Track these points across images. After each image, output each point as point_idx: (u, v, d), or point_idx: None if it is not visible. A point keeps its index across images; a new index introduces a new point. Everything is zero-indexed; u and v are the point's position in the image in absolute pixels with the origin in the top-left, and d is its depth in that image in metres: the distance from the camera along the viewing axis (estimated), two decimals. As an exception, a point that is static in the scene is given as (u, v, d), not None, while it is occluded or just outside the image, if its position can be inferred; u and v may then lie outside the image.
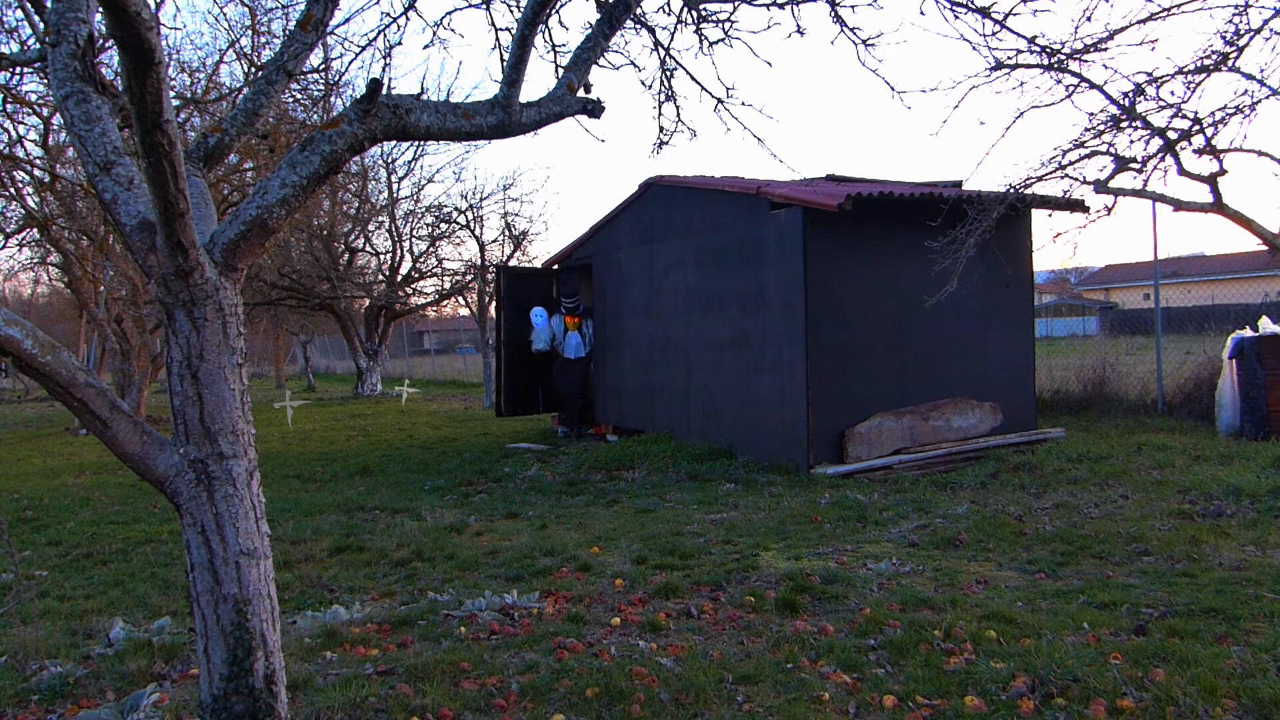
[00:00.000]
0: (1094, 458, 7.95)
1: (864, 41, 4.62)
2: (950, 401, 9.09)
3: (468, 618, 4.52)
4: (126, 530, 7.15)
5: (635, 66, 5.35)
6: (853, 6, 4.53)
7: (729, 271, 9.50)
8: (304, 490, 9.00)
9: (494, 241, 24.48)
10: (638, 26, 4.86)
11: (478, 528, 6.87)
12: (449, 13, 5.03)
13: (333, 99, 9.69)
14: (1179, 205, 5.84)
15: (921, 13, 4.54)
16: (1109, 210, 6.27)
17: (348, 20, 9.72)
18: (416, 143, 20.92)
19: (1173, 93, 5.54)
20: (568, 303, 12.26)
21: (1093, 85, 5.72)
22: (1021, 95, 7.61)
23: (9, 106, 12.01)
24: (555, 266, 13.43)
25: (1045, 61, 5.45)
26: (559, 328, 12.35)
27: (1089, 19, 5.36)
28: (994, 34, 4.67)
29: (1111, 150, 6.05)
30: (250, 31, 9.06)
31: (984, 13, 4.51)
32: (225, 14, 25.41)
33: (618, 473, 9.12)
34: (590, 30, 3.55)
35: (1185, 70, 5.41)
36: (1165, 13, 5.22)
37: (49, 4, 3.15)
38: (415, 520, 7.11)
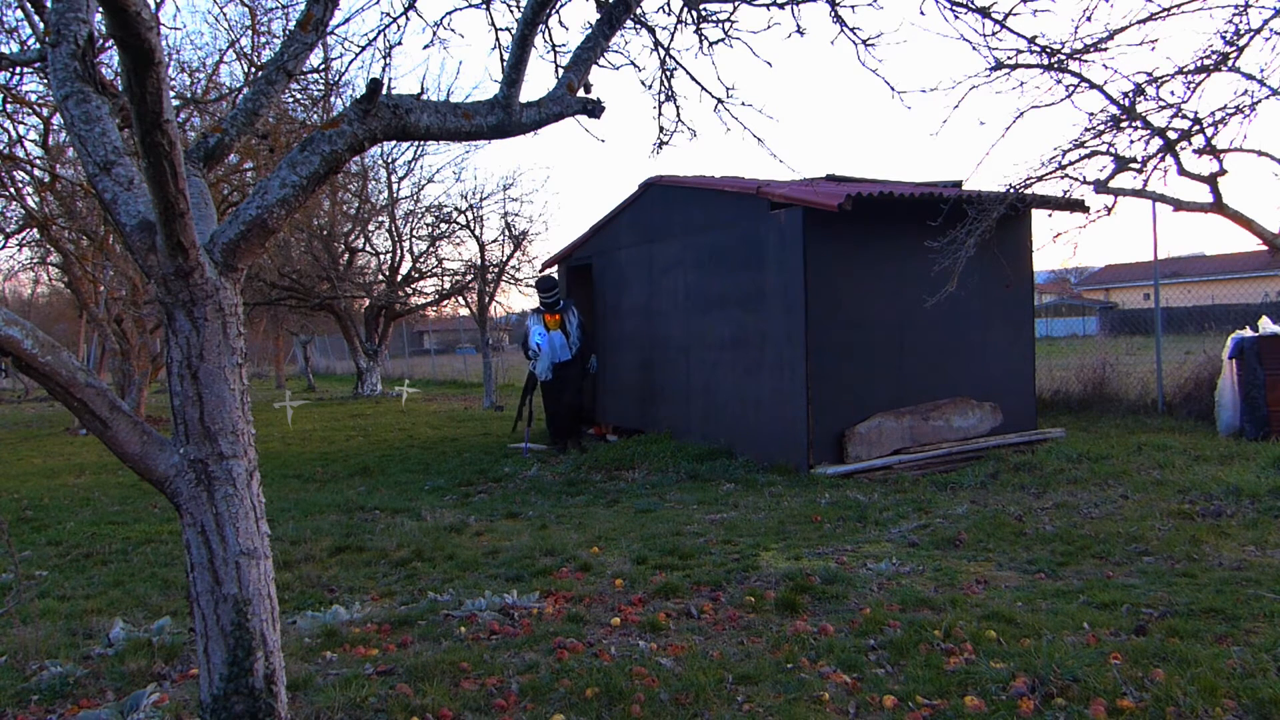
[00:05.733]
0: (1094, 458, 7.95)
1: (864, 41, 4.62)
2: (950, 401, 9.09)
3: (468, 618, 4.52)
4: (126, 530, 7.15)
5: (635, 66, 5.36)
6: (853, 6, 4.53)
7: (729, 271, 9.50)
8: (304, 490, 9.00)
9: (494, 241, 24.51)
10: (638, 26, 4.86)
11: (478, 528, 6.87)
12: (449, 13, 5.03)
13: (333, 99, 9.69)
14: (1179, 205, 5.84)
15: (921, 13, 4.55)
16: (1109, 210, 6.27)
17: (348, 20, 9.72)
18: (416, 143, 20.93)
19: (1173, 93, 5.54)
20: (546, 297, 11.33)
21: (1093, 85, 5.73)
22: (1021, 95, 7.61)
23: (9, 106, 12.02)
24: (555, 266, 13.43)
25: (1045, 61, 5.45)
26: (557, 339, 11.24)
27: (1089, 19, 5.36)
28: (994, 34, 4.67)
29: (1111, 150, 6.05)
30: (250, 31, 9.06)
31: (984, 13, 4.51)
32: (225, 14, 25.41)
33: (618, 473, 9.12)
34: (590, 30, 3.55)
35: (1185, 70, 5.41)
36: (1165, 13, 5.23)
37: (49, 4, 3.15)
38: (415, 520, 7.11)
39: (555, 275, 12.92)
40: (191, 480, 2.63)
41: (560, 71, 3.65)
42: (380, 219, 24.36)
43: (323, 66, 8.60)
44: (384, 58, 9.37)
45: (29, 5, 5.37)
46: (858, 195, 8.05)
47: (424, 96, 2.96)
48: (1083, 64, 5.55)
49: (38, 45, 6.38)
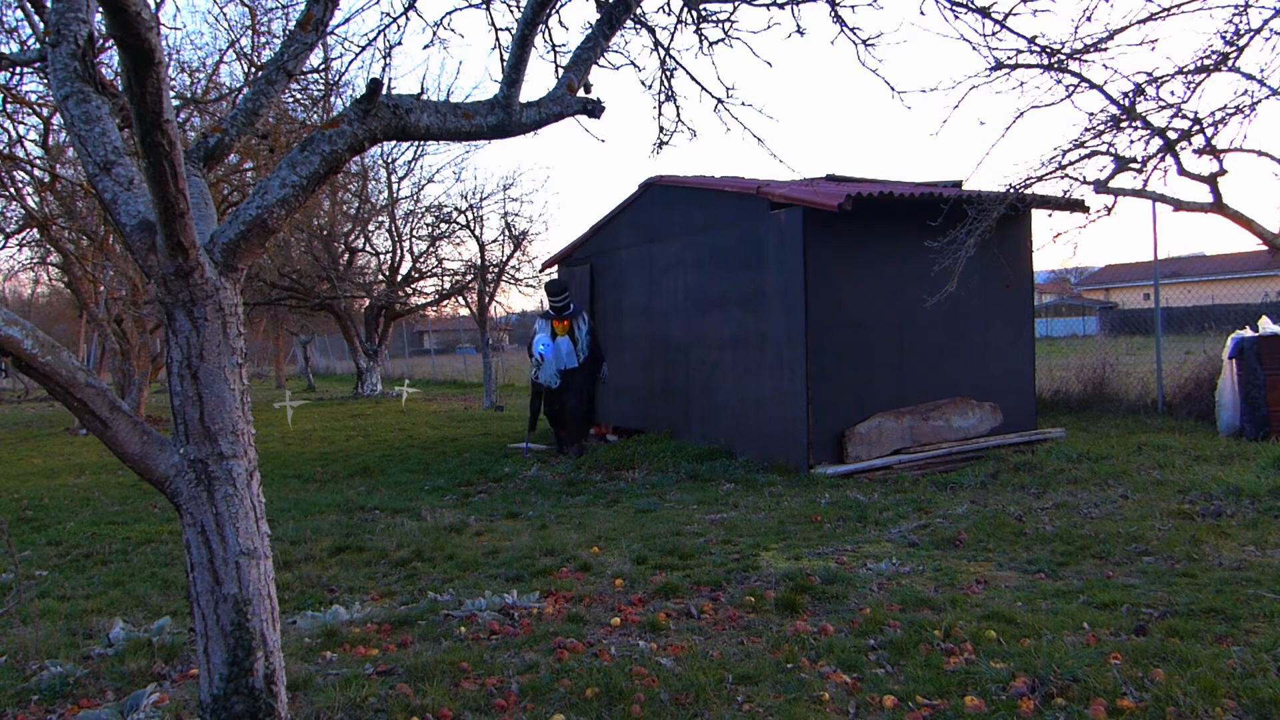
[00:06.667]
0: (1094, 458, 7.95)
1: (864, 41, 4.62)
2: (950, 401, 9.09)
3: (468, 618, 4.52)
4: (126, 530, 7.15)
5: (635, 66, 5.35)
6: (853, 6, 4.53)
7: (729, 271, 9.50)
8: (304, 490, 9.00)
9: (494, 241, 24.51)
10: (638, 26, 4.85)
11: (478, 528, 6.87)
12: (449, 13, 5.03)
13: (333, 99, 9.69)
14: (1179, 205, 5.84)
15: (921, 13, 4.54)
16: (1109, 210, 6.27)
17: (348, 20, 9.72)
18: (416, 143, 20.93)
19: (1173, 93, 5.54)
20: (555, 301, 10.63)
21: (1093, 85, 5.73)
22: (1021, 95, 7.61)
23: (9, 106, 12.02)
24: (555, 266, 13.43)
25: (1045, 61, 5.45)
26: (564, 345, 10.66)
27: (1089, 19, 5.36)
28: (994, 34, 4.66)
29: (1111, 150, 6.05)
30: (250, 31, 9.06)
31: (984, 13, 4.51)
32: (225, 14, 25.42)
33: (618, 473, 9.12)
34: (590, 30, 3.55)
35: (1185, 70, 5.41)
36: (1165, 13, 5.23)
37: (49, 4, 3.15)
38: (415, 520, 7.11)
39: (565, 279, 12.37)
40: (191, 480, 2.63)
41: (560, 71, 3.65)
42: (380, 219, 24.38)
43: (323, 66, 8.60)
44: (384, 58, 9.37)
45: (29, 5, 5.37)
46: (858, 195, 8.05)
47: (424, 96, 2.96)
48: (1083, 64, 5.55)
49: (38, 45, 6.38)
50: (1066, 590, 4.63)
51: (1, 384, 35.97)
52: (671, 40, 4.89)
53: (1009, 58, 5.38)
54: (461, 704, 3.45)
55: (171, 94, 3.13)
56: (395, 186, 23.70)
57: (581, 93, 3.41)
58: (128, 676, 3.89)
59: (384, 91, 2.82)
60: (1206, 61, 5.32)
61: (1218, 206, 5.66)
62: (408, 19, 5.25)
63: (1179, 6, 5.21)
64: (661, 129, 5.20)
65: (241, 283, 2.76)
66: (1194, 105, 6.13)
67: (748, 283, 9.19)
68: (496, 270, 20.34)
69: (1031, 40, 5.04)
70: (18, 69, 9.61)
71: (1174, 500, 6.41)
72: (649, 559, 5.56)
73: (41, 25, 5.15)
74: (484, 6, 4.95)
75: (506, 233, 20.48)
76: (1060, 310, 33.85)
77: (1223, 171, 5.65)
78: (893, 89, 4.88)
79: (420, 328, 46.46)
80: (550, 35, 5.05)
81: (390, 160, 23.16)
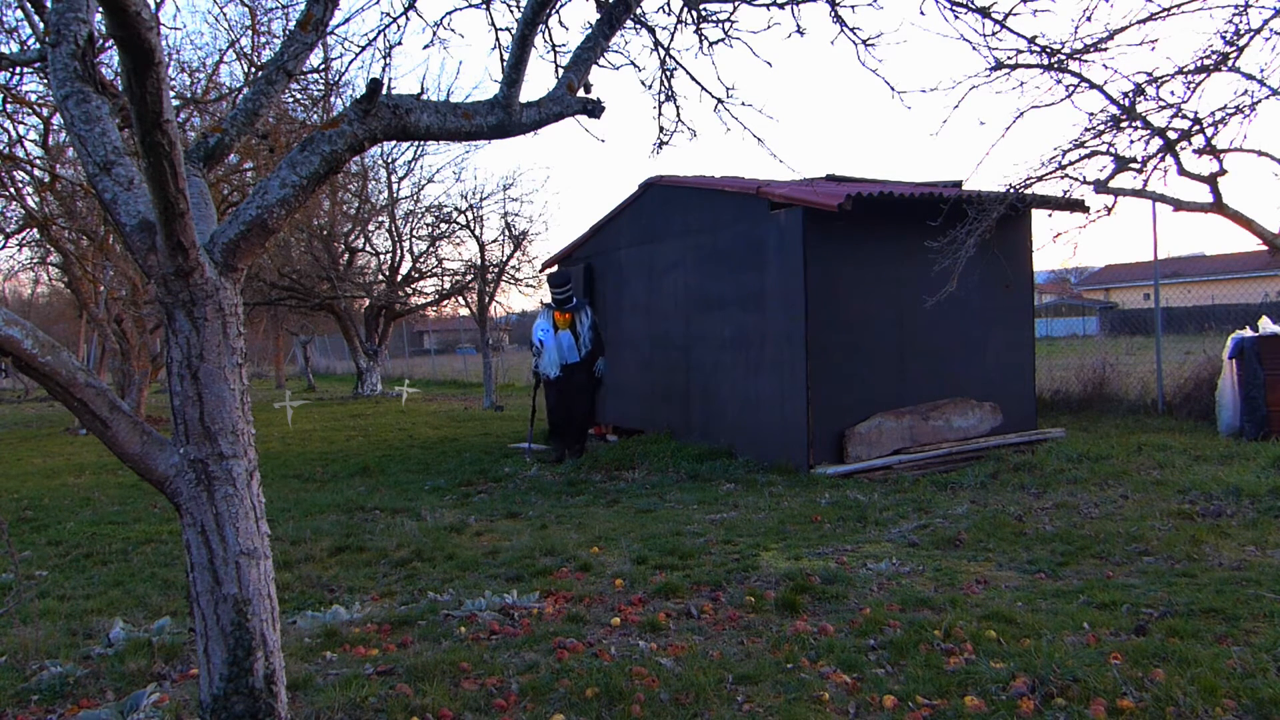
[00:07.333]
0: (1094, 458, 7.95)
1: (864, 41, 4.62)
2: (950, 401, 9.09)
3: (468, 618, 4.52)
4: (126, 530, 7.15)
5: (635, 66, 5.34)
6: (853, 6, 4.53)
7: (729, 271, 9.50)
8: (304, 490, 8.99)
9: (494, 241, 24.50)
10: (638, 26, 4.85)
11: (478, 528, 6.87)
12: (449, 13, 5.02)
13: (333, 99, 9.69)
14: (1179, 205, 5.84)
15: (921, 13, 4.54)
16: (1109, 210, 6.27)
17: (348, 20, 9.73)
18: (416, 143, 20.93)
19: (1173, 93, 5.54)
20: (557, 294, 10.34)
21: (1093, 85, 5.72)
22: (1021, 95, 7.59)
23: (9, 106, 12.00)
24: (555, 266, 13.42)
25: (1045, 61, 5.45)
26: (565, 339, 10.38)
27: (1089, 19, 5.35)
28: (994, 34, 4.66)
29: (1111, 150, 6.05)
30: (250, 31, 9.07)
31: (984, 13, 4.51)
32: (225, 14, 25.44)
33: (618, 473, 9.11)
34: (590, 30, 3.55)
35: (1185, 70, 5.41)
36: (1165, 13, 5.22)
37: (49, 4, 3.15)
38: (415, 520, 7.11)
39: (568, 271, 11.87)
40: (191, 480, 2.63)
41: (560, 71, 3.65)
42: (380, 219, 24.38)
43: (323, 66, 8.61)
44: (384, 58, 9.37)
45: (29, 5, 5.37)
46: (858, 195, 8.05)
47: (424, 96, 2.96)
48: (1083, 64, 5.55)
49: (38, 45, 6.39)
50: (1066, 590, 4.63)
51: (1, 384, 35.98)
52: (671, 40, 4.90)
53: (1009, 58, 5.38)
54: (461, 704, 3.45)
55: (171, 94, 3.13)
56: (395, 186, 23.73)
57: (581, 93, 3.41)
58: (128, 676, 3.89)
59: (384, 91, 2.82)
60: (1206, 61, 5.32)
61: (1218, 206, 5.65)
62: (408, 19, 5.25)
63: (1179, 6, 5.21)
64: (661, 129, 5.20)
65: (241, 283, 2.77)
66: (1194, 105, 6.12)
67: (748, 283, 9.19)
68: (496, 270, 20.34)
69: (1031, 40, 5.04)
70: (18, 69, 9.61)
71: (1174, 500, 6.41)
72: (649, 559, 5.56)
73: (41, 25, 5.16)
74: (484, 6, 4.95)
75: (506, 233, 20.49)
76: (1060, 310, 33.87)
77: (1223, 171, 5.65)
78: (893, 89, 4.88)
79: (420, 328, 46.46)
80: (550, 35, 5.06)
81: (390, 160, 23.18)
